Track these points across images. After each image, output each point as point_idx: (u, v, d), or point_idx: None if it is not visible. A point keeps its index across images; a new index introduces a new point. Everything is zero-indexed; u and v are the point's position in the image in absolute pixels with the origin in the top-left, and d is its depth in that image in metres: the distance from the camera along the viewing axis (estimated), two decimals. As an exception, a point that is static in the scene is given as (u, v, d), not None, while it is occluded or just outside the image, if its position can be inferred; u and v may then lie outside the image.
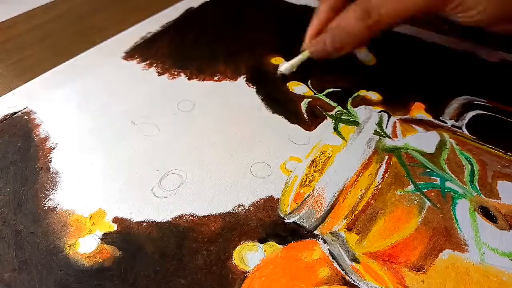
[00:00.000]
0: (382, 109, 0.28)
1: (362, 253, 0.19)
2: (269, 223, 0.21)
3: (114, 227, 0.20)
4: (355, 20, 0.25)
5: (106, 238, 0.20)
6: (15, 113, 0.27)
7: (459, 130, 0.26)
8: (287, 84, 0.30)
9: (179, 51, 0.33)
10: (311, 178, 0.23)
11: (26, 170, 0.23)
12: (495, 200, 0.22)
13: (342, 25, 0.25)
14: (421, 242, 0.20)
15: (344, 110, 0.27)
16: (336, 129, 0.26)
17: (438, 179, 0.23)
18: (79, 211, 0.21)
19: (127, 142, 0.25)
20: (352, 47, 0.27)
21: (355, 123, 0.26)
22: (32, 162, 0.24)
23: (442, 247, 0.20)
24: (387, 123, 0.26)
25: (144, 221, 0.21)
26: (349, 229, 0.20)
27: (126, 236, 0.20)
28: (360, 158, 0.24)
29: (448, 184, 0.23)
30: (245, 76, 0.31)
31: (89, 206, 0.21)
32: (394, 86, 0.30)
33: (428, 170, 0.23)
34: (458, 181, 0.23)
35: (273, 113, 0.27)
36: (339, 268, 0.19)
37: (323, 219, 0.21)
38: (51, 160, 0.24)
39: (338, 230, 0.20)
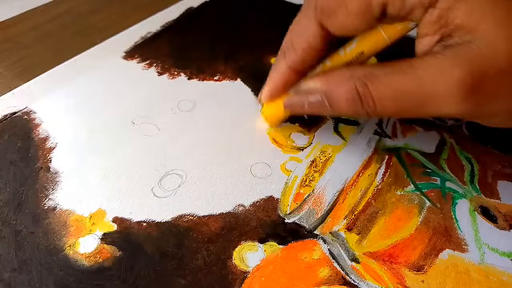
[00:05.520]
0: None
1: (362, 253, 0.19)
2: (269, 223, 0.21)
3: (114, 227, 0.20)
4: (350, 101, 0.19)
5: (106, 238, 0.20)
6: (15, 113, 0.27)
7: (459, 130, 0.26)
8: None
9: (179, 51, 0.33)
10: (311, 178, 0.23)
11: (26, 170, 0.23)
12: (495, 200, 0.22)
13: (332, 98, 0.20)
14: (421, 242, 0.20)
15: (344, 110, 0.27)
16: (336, 129, 0.26)
17: (438, 179, 0.23)
18: (79, 211, 0.21)
19: (127, 142, 0.25)
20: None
21: (355, 123, 0.26)
22: (32, 162, 0.24)
23: (442, 247, 0.20)
24: (387, 123, 0.26)
25: (144, 221, 0.21)
26: (349, 229, 0.20)
27: (126, 236, 0.20)
28: (360, 158, 0.24)
29: (448, 184, 0.23)
30: (245, 76, 0.31)
31: (89, 206, 0.21)
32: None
33: (428, 170, 0.23)
34: (458, 181, 0.23)
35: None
36: (339, 268, 0.19)
37: (323, 219, 0.21)
38: (51, 160, 0.24)
39: (338, 230, 0.20)
